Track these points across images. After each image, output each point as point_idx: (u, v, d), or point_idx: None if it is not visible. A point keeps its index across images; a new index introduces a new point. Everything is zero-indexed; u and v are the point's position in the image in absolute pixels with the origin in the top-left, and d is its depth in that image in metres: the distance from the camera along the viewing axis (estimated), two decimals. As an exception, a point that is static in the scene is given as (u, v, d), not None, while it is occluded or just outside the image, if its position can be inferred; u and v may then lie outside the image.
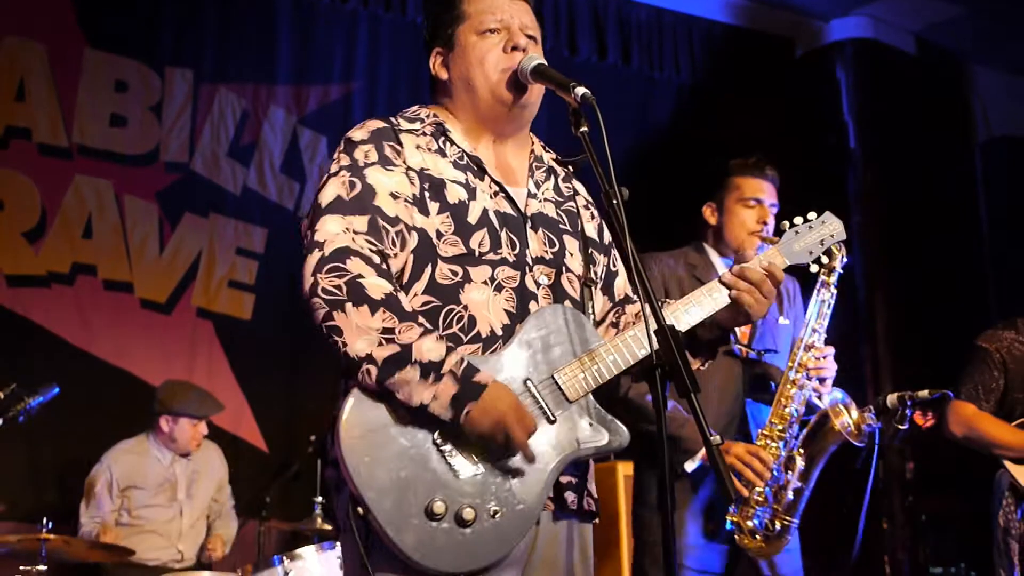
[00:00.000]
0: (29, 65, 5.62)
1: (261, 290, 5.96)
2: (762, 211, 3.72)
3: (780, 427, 3.46)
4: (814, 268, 2.62)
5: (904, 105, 7.61)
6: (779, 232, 2.57)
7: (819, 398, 3.53)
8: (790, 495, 3.42)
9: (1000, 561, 4.23)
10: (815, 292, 3.63)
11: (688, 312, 2.36)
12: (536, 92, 2.38)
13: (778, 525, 3.40)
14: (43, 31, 5.66)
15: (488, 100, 2.37)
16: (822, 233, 2.59)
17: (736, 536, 3.41)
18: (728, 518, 3.42)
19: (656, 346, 2.05)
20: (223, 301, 5.92)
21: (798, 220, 2.58)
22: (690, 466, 3.44)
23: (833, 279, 3.63)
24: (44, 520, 4.56)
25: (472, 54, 2.38)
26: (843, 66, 7.70)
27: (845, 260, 3.61)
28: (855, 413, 3.48)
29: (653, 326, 2.05)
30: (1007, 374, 4.36)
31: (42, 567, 4.32)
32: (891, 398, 3.86)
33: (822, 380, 3.54)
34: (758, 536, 3.39)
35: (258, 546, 5.20)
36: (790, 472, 3.43)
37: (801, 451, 3.46)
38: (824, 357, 3.55)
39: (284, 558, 4.33)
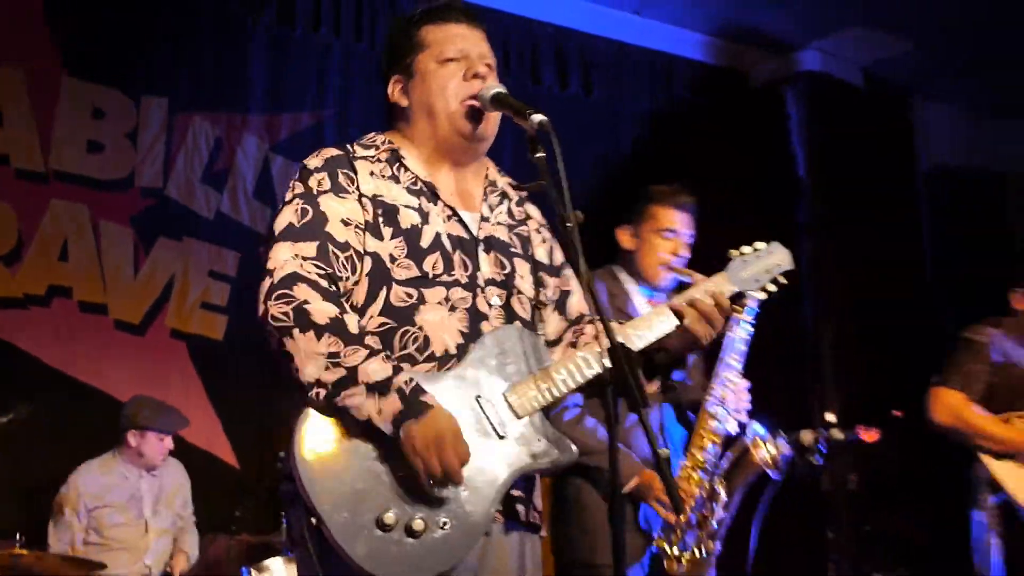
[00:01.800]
0: (7, 91, 5.59)
1: (233, 312, 5.95)
2: (676, 243, 3.72)
3: (700, 458, 3.47)
4: (762, 295, 2.61)
5: (852, 136, 7.68)
6: (727, 259, 2.54)
7: (741, 430, 3.54)
8: (714, 523, 3.44)
9: (981, 557, 4.25)
10: (730, 327, 3.57)
11: (639, 337, 2.37)
12: (493, 122, 2.40)
13: (703, 551, 3.41)
14: (21, 58, 5.63)
15: (447, 129, 2.38)
16: (769, 262, 2.58)
17: (664, 561, 3.41)
18: (655, 543, 3.42)
19: (609, 364, 2.05)
20: (196, 322, 5.90)
21: (746, 248, 2.57)
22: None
23: (748, 316, 3.58)
24: (18, 535, 4.54)
25: (433, 82, 2.39)
26: (794, 98, 7.76)
27: (762, 298, 3.68)
28: (772, 447, 3.50)
29: (606, 343, 2.04)
30: (993, 369, 4.38)
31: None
32: (806, 435, 3.89)
33: (738, 411, 3.53)
34: (684, 560, 3.39)
35: (227, 558, 5.17)
36: (713, 501, 3.44)
37: (723, 481, 3.48)
38: (743, 390, 3.56)
39: (252, 569, 4.41)
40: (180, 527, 5.16)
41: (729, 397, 3.51)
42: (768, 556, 3.86)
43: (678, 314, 2.38)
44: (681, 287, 3.65)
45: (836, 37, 7.50)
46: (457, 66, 2.39)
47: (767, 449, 3.48)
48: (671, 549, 3.40)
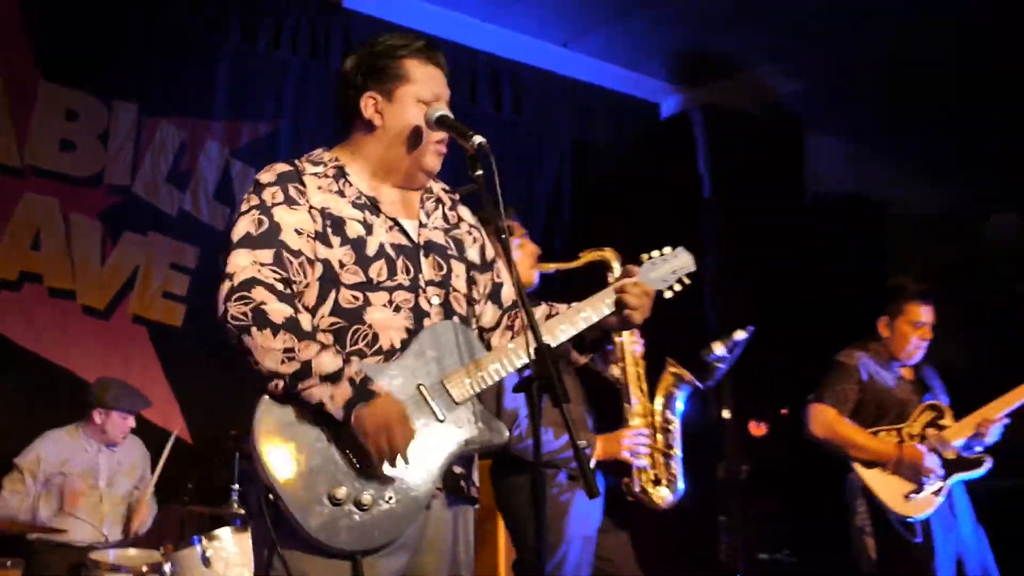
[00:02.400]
0: (-15, 90, 5.48)
1: (192, 302, 5.90)
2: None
3: (641, 406, 3.62)
4: (668, 294, 2.62)
5: (750, 162, 7.78)
6: (639, 262, 2.58)
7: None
8: (666, 450, 3.58)
9: (860, 555, 4.31)
10: None
11: (582, 316, 2.41)
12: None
13: (665, 479, 3.55)
14: (1, 63, 5.50)
15: (410, 165, 2.40)
16: (675, 265, 2.60)
17: (643, 497, 3.54)
18: (630, 493, 3.55)
19: (535, 356, 2.09)
20: (157, 310, 5.84)
21: (655, 253, 2.61)
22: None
23: None
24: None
25: (411, 115, 2.37)
26: (700, 127, 7.82)
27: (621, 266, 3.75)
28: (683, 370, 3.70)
29: (533, 344, 2.09)
30: (861, 387, 4.43)
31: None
32: (717, 346, 3.95)
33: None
34: (658, 490, 3.53)
35: (180, 527, 5.08)
36: (666, 436, 3.59)
37: (669, 421, 3.61)
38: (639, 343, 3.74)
39: (203, 538, 4.33)
40: (138, 497, 5.06)
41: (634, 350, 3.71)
42: (664, 538, 3.89)
43: (621, 302, 2.42)
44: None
45: (738, 75, 7.58)
46: (436, 106, 2.39)
47: (678, 368, 3.72)
48: (646, 485, 3.53)
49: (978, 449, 4.32)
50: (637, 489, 3.57)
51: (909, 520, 4.20)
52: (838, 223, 8.30)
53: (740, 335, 3.92)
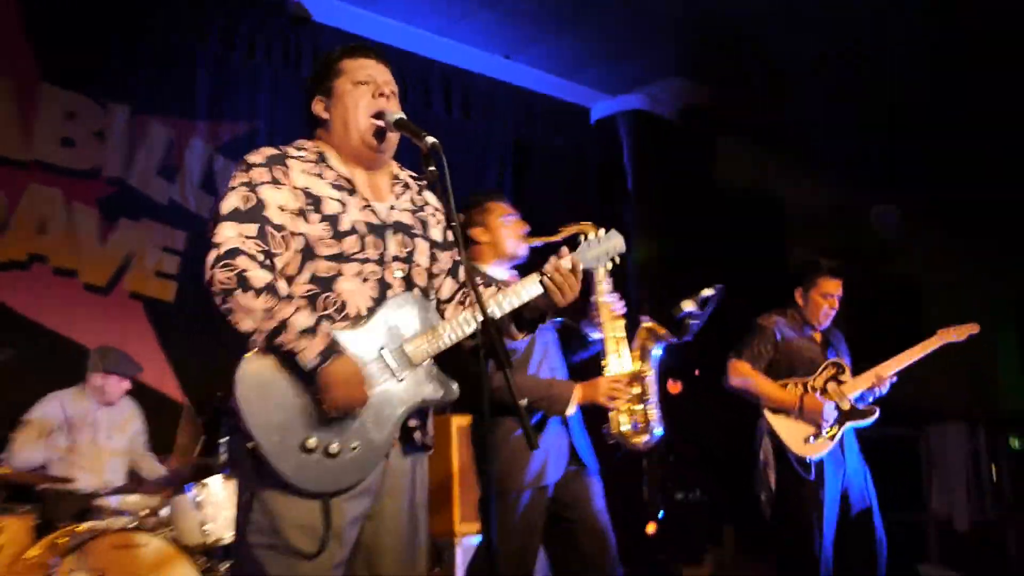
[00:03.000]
0: (-8, 91, 5.42)
1: (182, 279, 5.85)
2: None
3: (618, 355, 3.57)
4: (602, 272, 2.65)
5: (667, 160, 7.88)
6: (576, 244, 2.57)
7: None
8: (646, 396, 3.54)
9: (761, 487, 4.37)
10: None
11: (508, 303, 2.39)
12: (393, 140, 2.44)
13: (642, 423, 3.50)
14: (6, 68, 5.43)
15: (358, 141, 2.40)
16: (608, 246, 2.59)
17: (621, 439, 3.50)
18: (612, 435, 3.52)
19: (481, 325, 2.15)
20: (151, 287, 5.79)
21: (591, 235, 2.62)
22: (571, 411, 3.46)
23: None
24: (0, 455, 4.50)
25: (348, 99, 2.41)
26: (625, 129, 7.93)
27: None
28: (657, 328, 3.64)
29: (480, 317, 2.14)
30: (776, 347, 4.49)
31: (-1, 493, 4.18)
32: (686, 303, 3.96)
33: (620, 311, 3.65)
34: (635, 433, 3.49)
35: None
36: (642, 383, 3.54)
37: (643, 371, 3.56)
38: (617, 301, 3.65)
39: (195, 486, 4.33)
40: (140, 453, 5.06)
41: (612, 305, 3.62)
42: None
43: (544, 285, 2.39)
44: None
45: (657, 84, 7.68)
46: (367, 88, 2.41)
47: (655, 326, 3.64)
48: (626, 429, 3.49)
49: (870, 400, 4.40)
50: (615, 431, 3.53)
51: (807, 460, 4.27)
52: (741, 213, 8.43)
53: (708, 292, 3.88)
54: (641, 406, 3.54)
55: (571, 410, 3.44)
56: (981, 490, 6.57)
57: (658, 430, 3.58)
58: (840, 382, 4.39)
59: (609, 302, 3.59)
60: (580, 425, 3.59)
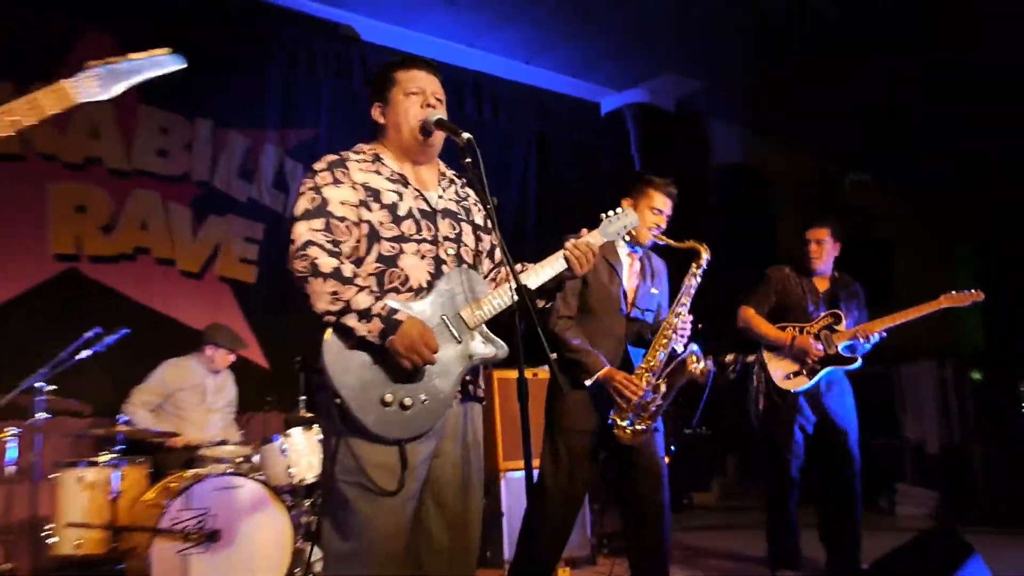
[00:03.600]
0: (101, 115, 5.45)
1: (261, 264, 5.90)
2: (660, 219, 3.52)
3: (652, 363, 3.30)
4: (623, 241, 2.60)
5: (669, 144, 7.84)
6: (599, 220, 2.60)
7: (684, 347, 3.32)
8: (653, 408, 3.29)
9: (751, 406, 4.38)
10: (687, 277, 3.43)
11: (544, 270, 2.41)
12: (438, 136, 2.40)
13: (642, 426, 3.28)
14: (109, 94, 5.49)
15: (408, 138, 2.38)
16: (624, 220, 2.61)
17: (615, 430, 3.28)
18: (611, 418, 3.28)
19: (516, 297, 2.13)
20: (236, 271, 5.85)
21: (610, 213, 2.64)
22: (588, 382, 3.28)
23: (699, 271, 3.44)
24: (117, 416, 4.56)
25: (400, 107, 2.38)
26: (631, 120, 7.89)
27: (708, 259, 3.44)
28: (703, 363, 3.30)
29: (515, 285, 2.13)
30: (779, 295, 4.45)
31: (120, 447, 4.25)
32: (728, 356, 3.84)
33: (683, 336, 3.35)
34: (628, 431, 3.27)
35: (263, 428, 5.22)
36: (656, 393, 3.29)
37: (665, 381, 3.31)
38: (688, 323, 3.36)
39: (281, 436, 4.37)
40: (230, 416, 5.10)
41: (679, 326, 3.34)
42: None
43: (567, 259, 2.39)
44: (655, 247, 3.56)
45: (656, 80, 7.63)
46: (417, 98, 2.38)
47: (698, 363, 3.28)
48: (621, 422, 3.27)
49: (856, 352, 4.26)
50: (614, 418, 3.29)
51: (784, 391, 4.26)
52: (733, 187, 8.38)
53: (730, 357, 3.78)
54: (647, 411, 3.30)
55: (588, 381, 3.29)
56: (949, 418, 6.54)
57: (646, 434, 3.34)
58: (834, 331, 4.29)
59: (676, 320, 3.35)
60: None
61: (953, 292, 4.23)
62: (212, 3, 5.72)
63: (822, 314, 4.34)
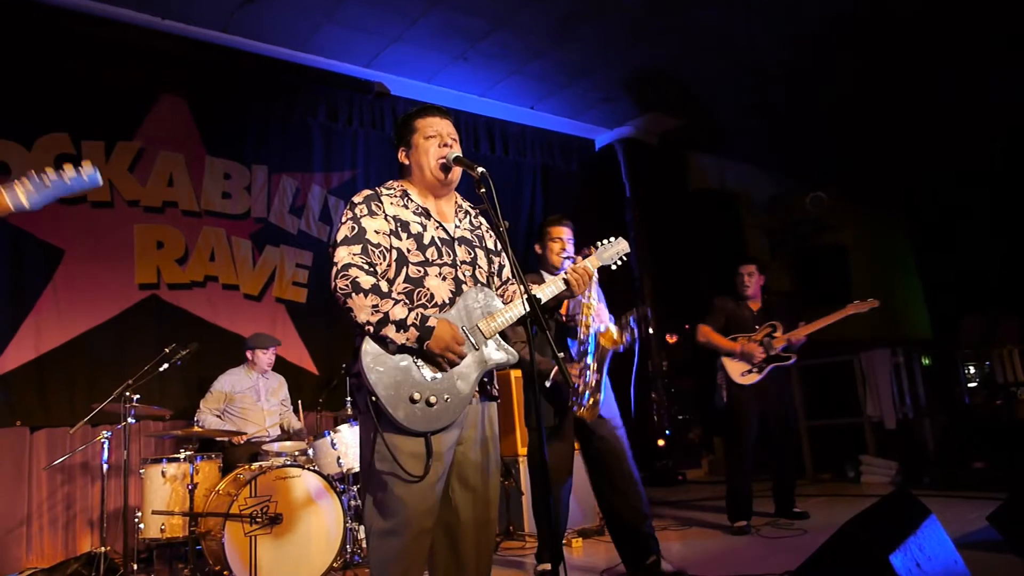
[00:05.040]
0: (175, 166, 5.48)
1: (311, 285, 5.89)
2: (564, 244, 3.55)
3: (582, 350, 3.33)
4: (614, 267, 2.59)
5: (654, 174, 7.79)
6: (596, 246, 2.57)
7: (601, 330, 3.33)
8: (593, 384, 3.30)
9: (717, 400, 4.61)
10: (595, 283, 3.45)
11: (546, 290, 2.41)
12: (456, 172, 2.37)
13: (592, 400, 3.31)
14: (181, 147, 5.53)
15: (430, 176, 2.35)
16: (617, 248, 2.60)
17: (577, 412, 3.31)
18: (571, 405, 3.32)
19: (527, 308, 2.14)
20: (290, 292, 5.84)
21: (604, 241, 2.60)
22: (548, 383, 3.33)
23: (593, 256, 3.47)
24: (195, 419, 4.58)
25: (421, 149, 2.36)
26: (621, 153, 7.85)
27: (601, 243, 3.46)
28: (614, 329, 3.30)
29: (526, 297, 2.13)
30: (727, 316, 4.72)
31: (195, 445, 4.24)
32: (641, 310, 3.90)
33: (603, 321, 3.36)
34: (583, 408, 3.29)
35: (316, 426, 5.15)
36: (588, 371, 3.30)
37: (594, 361, 3.31)
38: (604, 310, 3.42)
39: (331, 432, 4.35)
40: (284, 412, 5.04)
41: (599, 314, 3.38)
42: (624, 409, 3.78)
43: (566, 281, 2.41)
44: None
45: (640, 118, 7.60)
46: (435, 139, 2.36)
47: (610, 333, 3.29)
48: (577, 404, 3.31)
49: (790, 351, 4.54)
50: (574, 408, 3.33)
51: (740, 385, 4.55)
52: (708, 208, 8.34)
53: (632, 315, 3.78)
54: (591, 391, 3.30)
55: (548, 383, 3.34)
56: (902, 397, 6.44)
57: (594, 408, 3.34)
58: (773, 337, 4.56)
59: (593, 303, 3.38)
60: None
61: (856, 301, 4.44)
62: (268, 69, 5.72)
63: (763, 326, 4.61)
